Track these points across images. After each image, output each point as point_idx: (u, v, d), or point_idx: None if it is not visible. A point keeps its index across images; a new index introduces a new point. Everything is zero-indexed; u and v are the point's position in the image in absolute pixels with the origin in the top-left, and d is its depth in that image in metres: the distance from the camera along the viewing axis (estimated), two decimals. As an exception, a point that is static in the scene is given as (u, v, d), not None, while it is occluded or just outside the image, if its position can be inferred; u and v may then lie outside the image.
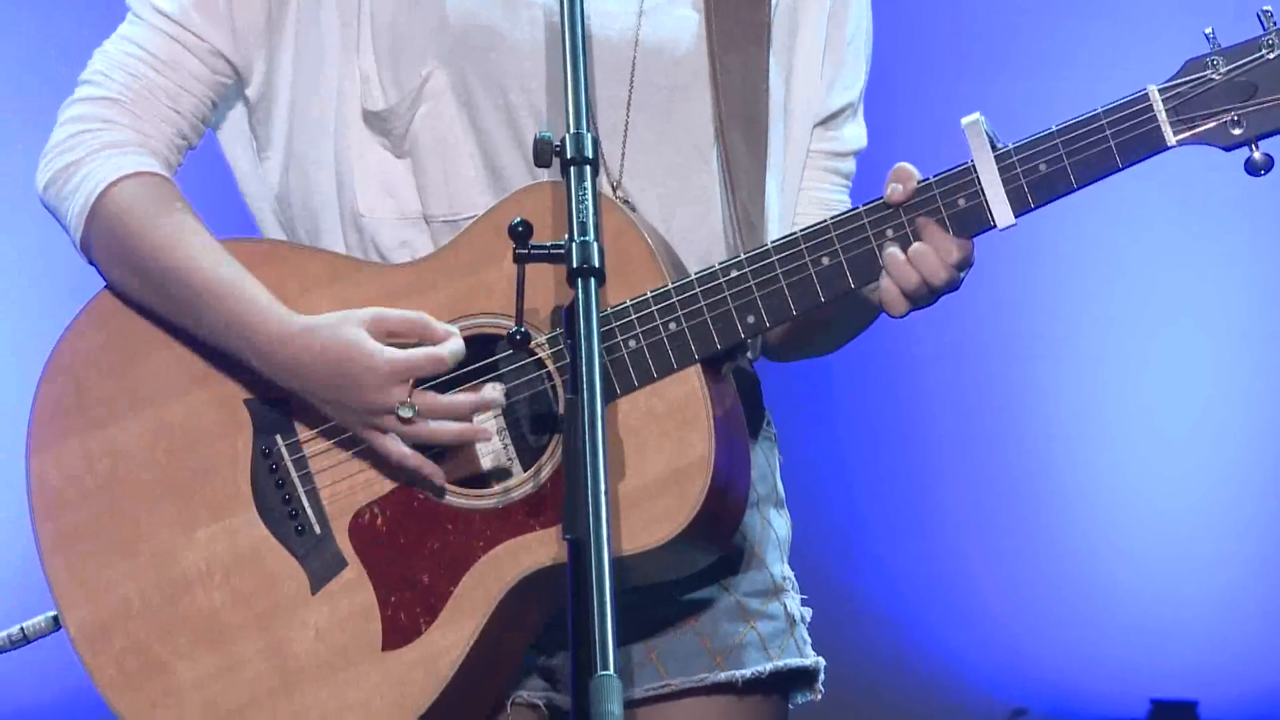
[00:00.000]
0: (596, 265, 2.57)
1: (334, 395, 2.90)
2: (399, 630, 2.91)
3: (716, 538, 2.92)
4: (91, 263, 3.06)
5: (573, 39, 2.69)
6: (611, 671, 2.33)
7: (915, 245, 2.86)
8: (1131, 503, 6.24)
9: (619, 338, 2.89)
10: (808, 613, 3.12)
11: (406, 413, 2.86)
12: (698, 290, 2.90)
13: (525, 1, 3.01)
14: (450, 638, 2.89)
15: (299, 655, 2.93)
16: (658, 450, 2.86)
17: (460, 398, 2.88)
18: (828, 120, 3.14)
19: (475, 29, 2.99)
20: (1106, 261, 6.09)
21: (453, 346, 2.88)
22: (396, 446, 2.89)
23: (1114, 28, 6.01)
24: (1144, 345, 6.08)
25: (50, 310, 3.33)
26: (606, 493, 2.44)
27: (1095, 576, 6.22)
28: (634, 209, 2.99)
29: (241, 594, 2.95)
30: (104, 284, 3.07)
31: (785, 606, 3.09)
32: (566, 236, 2.58)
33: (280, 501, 2.97)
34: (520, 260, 2.70)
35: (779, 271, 2.89)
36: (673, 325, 2.89)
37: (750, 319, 2.90)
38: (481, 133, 3.01)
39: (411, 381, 2.86)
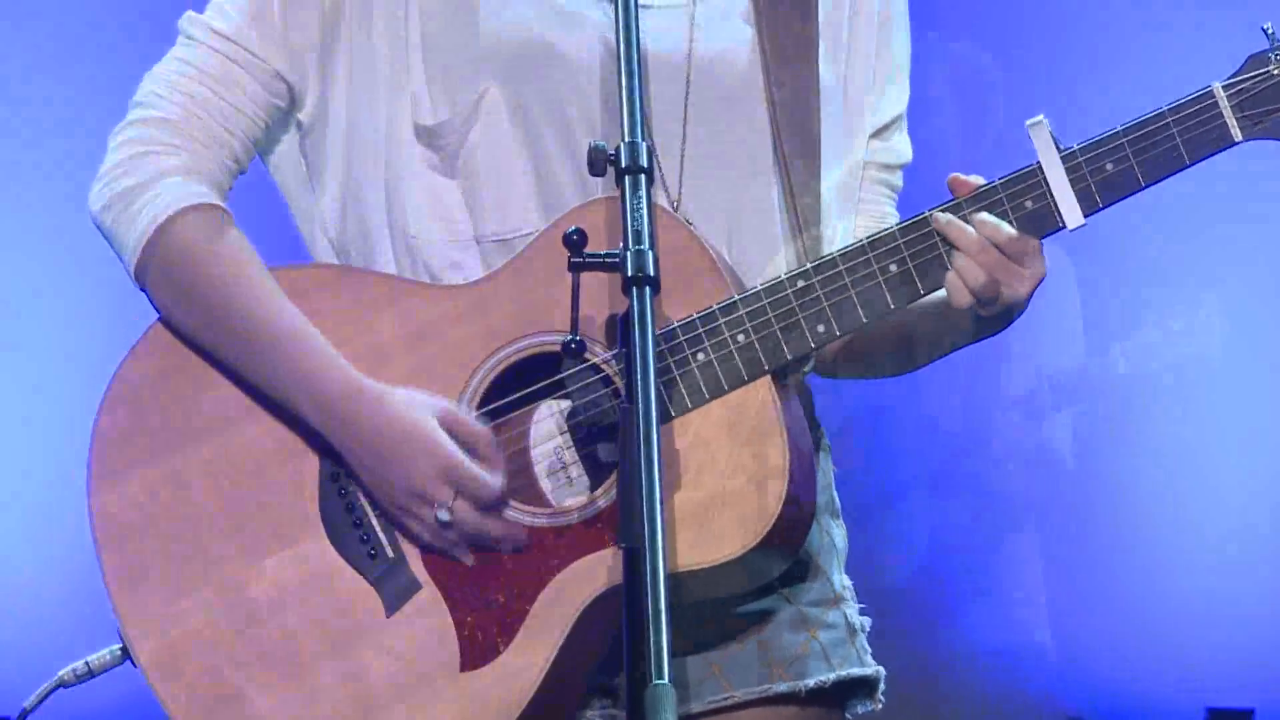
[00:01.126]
0: (651, 274, 2.58)
1: (380, 465, 2.89)
2: (477, 651, 2.89)
3: (789, 547, 2.92)
4: (144, 290, 3.05)
5: (628, 50, 2.69)
6: (666, 681, 2.34)
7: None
8: (1187, 509, 6.22)
9: (687, 351, 2.89)
10: (866, 621, 3.11)
11: (444, 515, 2.87)
12: (765, 302, 2.90)
13: (579, 18, 3.01)
14: (529, 657, 2.88)
15: (376, 680, 2.91)
16: (733, 462, 2.85)
17: (492, 526, 2.89)
18: (880, 131, 3.15)
19: (531, 45, 2.99)
20: (1154, 264, 6.07)
21: (500, 484, 2.89)
22: (420, 538, 2.91)
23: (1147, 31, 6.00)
24: (1194, 350, 6.06)
25: (108, 327, 3.33)
26: (661, 501, 2.44)
27: (1151, 583, 6.20)
28: (692, 223, 2.97)
29: (315, 620, 2.93)
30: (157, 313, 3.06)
31: (845, 616, 3.08)
32: (621, 245, 2.59)
33: (351, 525, 2.95)
34: (575, 269, 2.71)
35: (847, 280, 2.89)
36: (741, 337, 2.89)
37: (820, 328, 2.89)
38: (536, 149, 3.01)
39: (454, 489, 2.87)
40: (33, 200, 5.86)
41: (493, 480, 2.88)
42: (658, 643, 2.37)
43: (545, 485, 2.93)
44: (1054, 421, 5.77)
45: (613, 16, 2.73)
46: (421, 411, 2.89)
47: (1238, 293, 6.02)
